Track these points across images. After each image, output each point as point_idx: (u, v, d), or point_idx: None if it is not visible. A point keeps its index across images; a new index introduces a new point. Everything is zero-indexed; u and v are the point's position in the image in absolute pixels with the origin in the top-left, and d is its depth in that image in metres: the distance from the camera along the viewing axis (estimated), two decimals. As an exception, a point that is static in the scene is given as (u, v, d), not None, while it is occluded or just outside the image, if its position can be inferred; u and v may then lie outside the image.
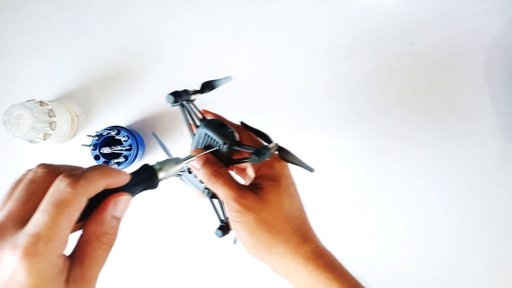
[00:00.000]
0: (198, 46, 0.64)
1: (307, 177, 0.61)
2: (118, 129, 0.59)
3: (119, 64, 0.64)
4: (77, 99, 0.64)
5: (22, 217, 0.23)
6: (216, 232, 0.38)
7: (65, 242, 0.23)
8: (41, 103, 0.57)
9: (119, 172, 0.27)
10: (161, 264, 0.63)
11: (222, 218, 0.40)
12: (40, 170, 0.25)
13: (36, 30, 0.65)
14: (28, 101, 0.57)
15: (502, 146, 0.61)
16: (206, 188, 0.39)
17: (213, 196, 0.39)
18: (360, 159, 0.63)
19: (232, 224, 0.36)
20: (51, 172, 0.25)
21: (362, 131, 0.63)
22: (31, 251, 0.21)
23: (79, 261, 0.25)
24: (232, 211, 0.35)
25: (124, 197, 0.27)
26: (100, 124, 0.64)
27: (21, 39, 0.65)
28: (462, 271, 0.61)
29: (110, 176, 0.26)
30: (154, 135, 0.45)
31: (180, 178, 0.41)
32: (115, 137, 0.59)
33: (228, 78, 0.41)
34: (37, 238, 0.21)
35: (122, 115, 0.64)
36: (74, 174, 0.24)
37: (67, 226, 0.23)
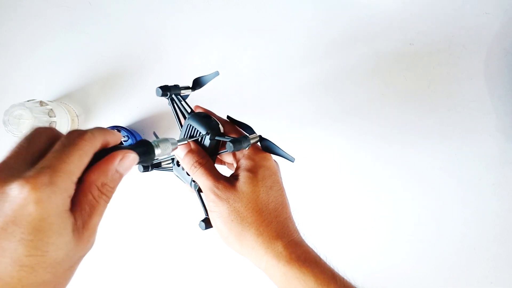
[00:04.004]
0: (198, 46, 0.64)
1: (307, 177, 0.62)
2: (118, 129, 0.59)
3: (119, 64, 0.64)
4: (77, 99, 0.64)
5: (26, 158, 0.23)
6: (199, 224, 0.39)
7: (74, 183, 0.24)
8: (41, 103, 0.57)
9: (113, 131, 0.28)
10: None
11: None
12: (40, 127, 0.26)
13: (36, 30, 0.65)
14: (28, 101, 0.57)
15: (502, 146, 0.61)
16: (193, 181, 0.39)
17: (200, 189, 0.40)
18: (360, 159, 0.63)
19: (209, 213, 0.37)
20: (51, 130, 0.26)
21: (362, 131, 0.63)
22: (43, 181, 0.21)
23: (80, 209, 0.25)
24: (208, 200, 0.36)
25: (131, 155, 0.27)
26: (100, 124, 0.64)
27: (21, 39, 0.65)
28: (462, 271, 0.61)
29: (108, 132, 0.27)
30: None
31: (174, 173, 0.42)
32: (115, 137, 0.59)
33: (215, 73, 0.42)
34: (46, 169, 0.22)
35: (122, 115, 0.64)
36: (79, 129, 0.25)
37: (78, 166, 0.23)
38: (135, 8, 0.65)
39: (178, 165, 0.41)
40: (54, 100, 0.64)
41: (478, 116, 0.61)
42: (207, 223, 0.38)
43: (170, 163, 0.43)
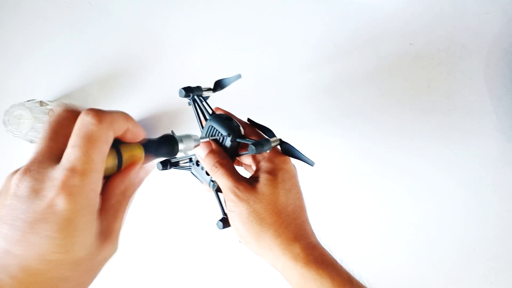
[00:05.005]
0: (198, 46, 0.64)
1: (309, 176, 0.62)
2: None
3: (119, 64, 0.64)
4: (77, 99, 0.64)
5: (53, 154, 0.23)
6: (217, 224, 0.39)
7: (100, 179, 0.24)
8: (41, 103, 0.57)
9: (136, 123, 0.28)
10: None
11: (226, 211, 0.41)
12: (62, 110, 0.25)
13: (36, 30, 0.65)
14: (28, 101, 0.57)
15: (502, 146, 0.61)
16: (212, 181, 0.40)
17: (218, 189, 0.40)
18: (361, 159, 0.63)
19: (228, 213, 0.37)
20: (73, 111, 0.25)
21: (362, 131, 0.63)
22: (70, 184, 0.22)
23: (104, 213, 0.25)
24: (228, 200, 0.36)
25: (152, 160, 0.28)
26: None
27: (21, 38, 0.65)
28: (462, 271, 0.61)
29: (130, 119, 0.26)
30: (173, 133, 0.46)
31: (191, 172, 0.43)
32: (115, 137, 0.59)
33: (237, 76, 0.43)
34: (73, 172, 0.22)
35: (122, 115, 0.64)
36: (98, 109, 0.24)
37: (100, 160, 0.23)
38: (135, 8, 0.65)
39: (198, 164, 0.41)
40: (54, 100, 0.64)
41: (478, 116, 0.61)
42: (224, 222, 0.39)
43: (187, 162, 0.44)
